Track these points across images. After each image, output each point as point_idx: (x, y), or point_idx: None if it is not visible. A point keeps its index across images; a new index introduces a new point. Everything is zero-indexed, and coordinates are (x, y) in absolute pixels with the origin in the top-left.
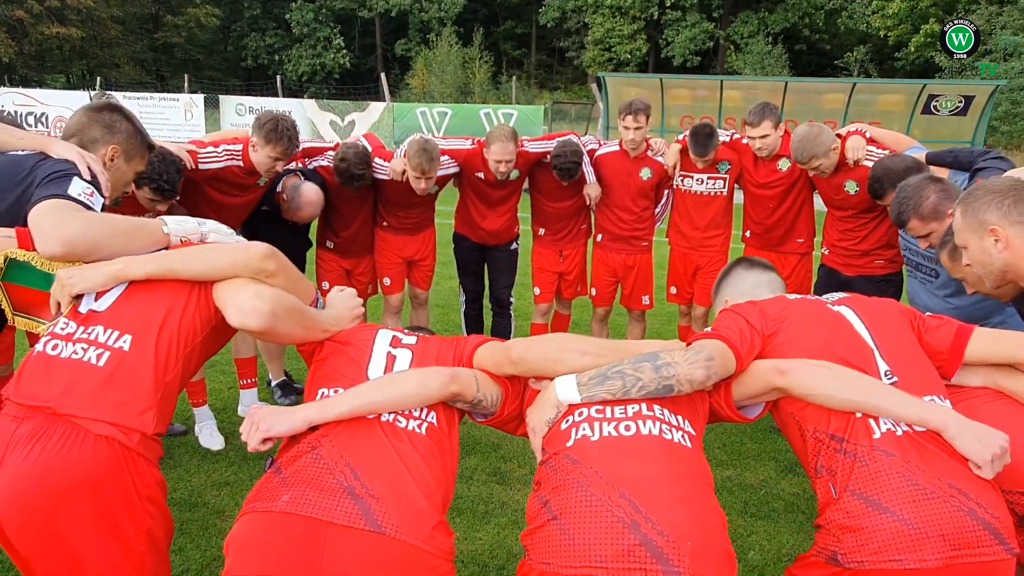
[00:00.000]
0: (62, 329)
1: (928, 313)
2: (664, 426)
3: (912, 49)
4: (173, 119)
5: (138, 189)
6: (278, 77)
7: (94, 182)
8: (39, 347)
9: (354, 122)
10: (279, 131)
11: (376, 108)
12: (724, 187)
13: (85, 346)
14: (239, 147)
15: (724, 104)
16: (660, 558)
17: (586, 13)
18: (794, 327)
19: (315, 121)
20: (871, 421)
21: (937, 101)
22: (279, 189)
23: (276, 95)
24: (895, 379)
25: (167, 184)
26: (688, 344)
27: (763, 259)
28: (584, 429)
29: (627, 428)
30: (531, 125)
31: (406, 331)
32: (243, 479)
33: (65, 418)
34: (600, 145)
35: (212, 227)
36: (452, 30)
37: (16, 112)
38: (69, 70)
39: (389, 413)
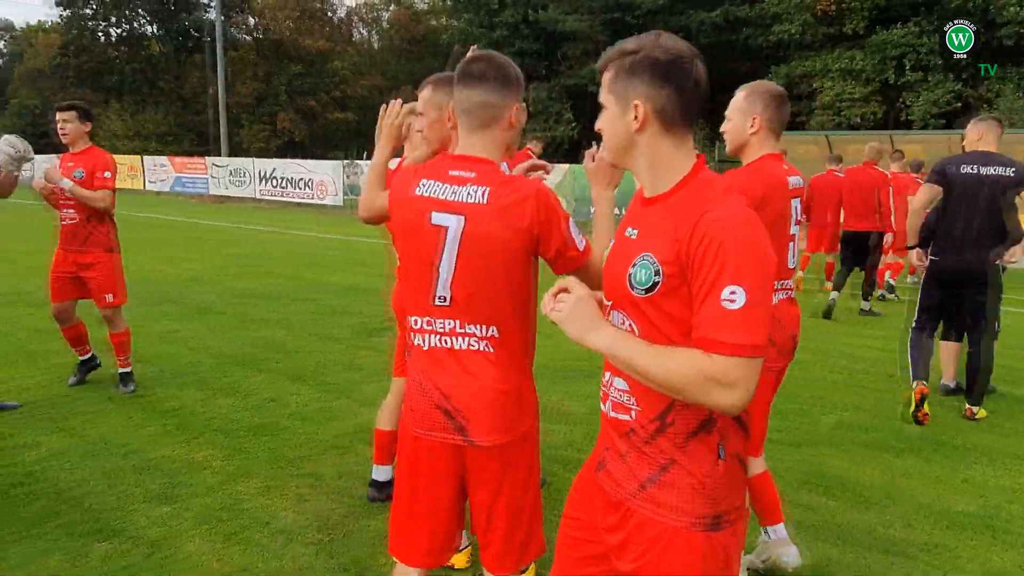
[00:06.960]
0: None
1: None
2: None
3: None
4: None
5: None
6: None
7: None
8: None
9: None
10: None
11: (560, 169)
12: None
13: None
14: None
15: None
16: None
17: (815, 79)
18: (400, 234)
19: None
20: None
21: None
22: None
23: None
24: (448, 304)
25: None
26: None
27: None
28: None
29: None
30: None
31: None
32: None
33: None
34: None
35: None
36: None
37: (291, 178)
38: (348, 148)
39: None
